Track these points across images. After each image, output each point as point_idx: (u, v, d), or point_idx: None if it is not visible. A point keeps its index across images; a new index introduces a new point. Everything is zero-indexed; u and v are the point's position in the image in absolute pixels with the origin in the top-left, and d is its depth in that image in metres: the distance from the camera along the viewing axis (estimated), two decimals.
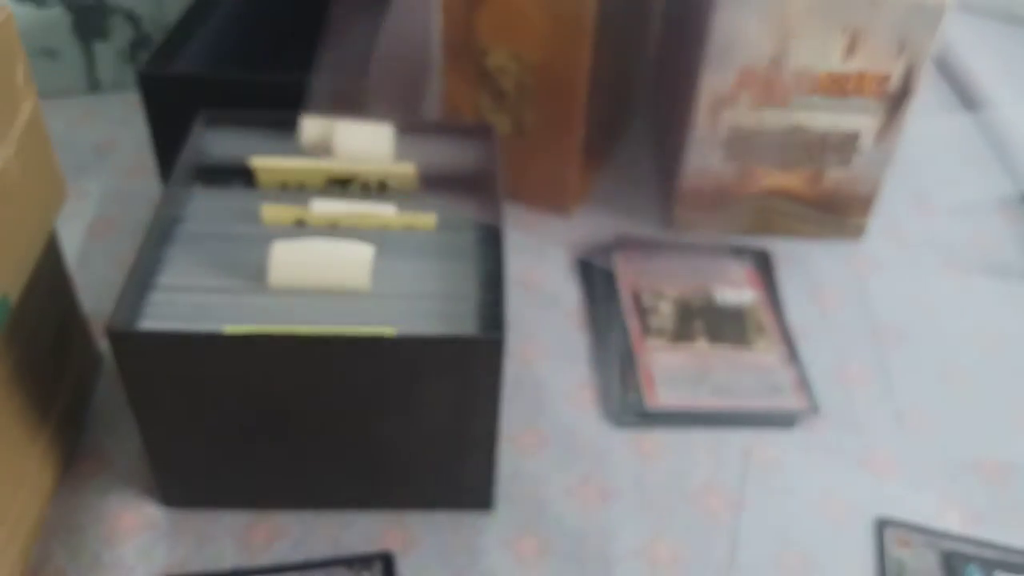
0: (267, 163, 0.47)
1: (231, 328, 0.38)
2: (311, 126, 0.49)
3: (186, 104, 0.51)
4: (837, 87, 0.59)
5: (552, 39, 0.59)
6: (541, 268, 0.63)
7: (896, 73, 0.58)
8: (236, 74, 0.58)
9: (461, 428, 0.43)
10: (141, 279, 0.41)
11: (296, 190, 0.47)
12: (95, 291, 0.54)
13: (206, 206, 0.46)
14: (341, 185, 0.48)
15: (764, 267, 0.63)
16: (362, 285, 0.42)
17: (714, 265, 0.63)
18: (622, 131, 0.77)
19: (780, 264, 0.63)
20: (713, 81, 0.59)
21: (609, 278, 0.61)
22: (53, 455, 0.46)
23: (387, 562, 0.44)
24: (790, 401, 0.53)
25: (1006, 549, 0.46)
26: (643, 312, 0.58)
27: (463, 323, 0.41)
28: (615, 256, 0.63)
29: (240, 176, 0.47)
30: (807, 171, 0.63)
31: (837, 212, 0.65)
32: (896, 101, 0.60)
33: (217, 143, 0.50)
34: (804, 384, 0.54)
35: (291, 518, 0.46)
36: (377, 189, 0.48)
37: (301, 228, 0.45)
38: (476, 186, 0.49)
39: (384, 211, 0.45)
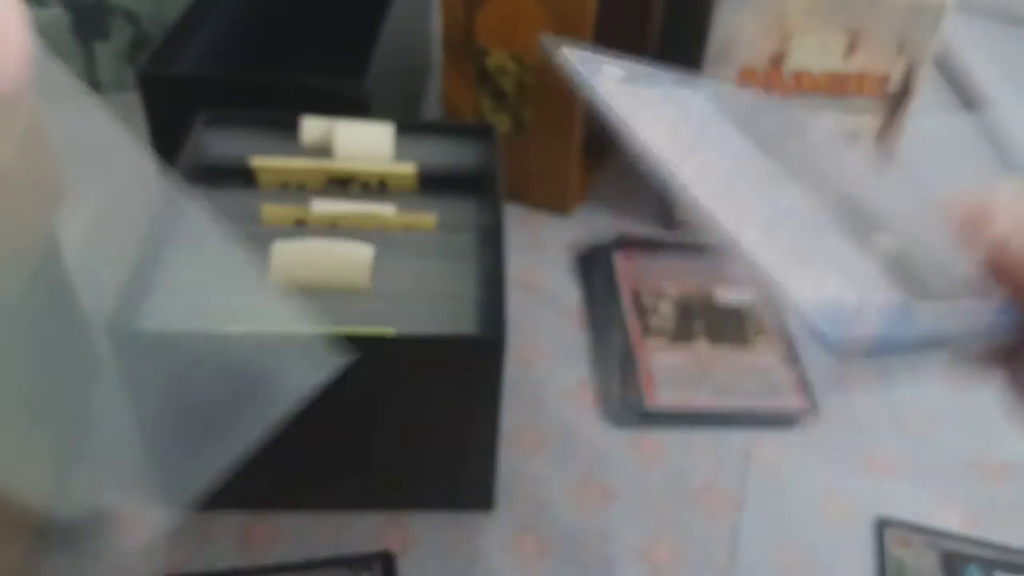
0: (267, 163, 0.47)
1: (231, 328, 0.38)
2: (311, 126, 0.49)
3: (186, 104, 0.51)
4: (837, 87, 0.59)
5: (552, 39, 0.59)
6: (541, 268, 0.63)
7: (896, 73, 0.58)
8: (236, 74, 0.58)
9: (461, 428, 0.43)
10: (141, 279, 0.41)
11: (296, 190, 0.47)
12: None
13: (206, 206, 0.46)
14: (341, 185, 0.48)
15: None
16: (362, 285, 0.42)
17: (714, 265, 0.63)
18: None
19: None
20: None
21: (609, 278, 0.61)
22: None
23: (387, 562, 0.44)
24: (790, 401, 0.53)
25: (1006, 549, 0.46)
26: (643, 312, 0.58)
27: (463, 323, 0.41)
28: (615, 256, 0.63)
29: (240, 176, 0.47)
30: None
31: None
32: (896, 101, 0.60)
33: (217, 143, 0.50)
34: (804, 384, 0.54)
35: (291, 518, 0.46)
36: (377, 189, 0.48)
37: (301, 228, 0.45)
38: (476, 186, 0.49)
39: (384, 211, 0.45)
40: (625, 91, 0.22)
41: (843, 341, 0.19)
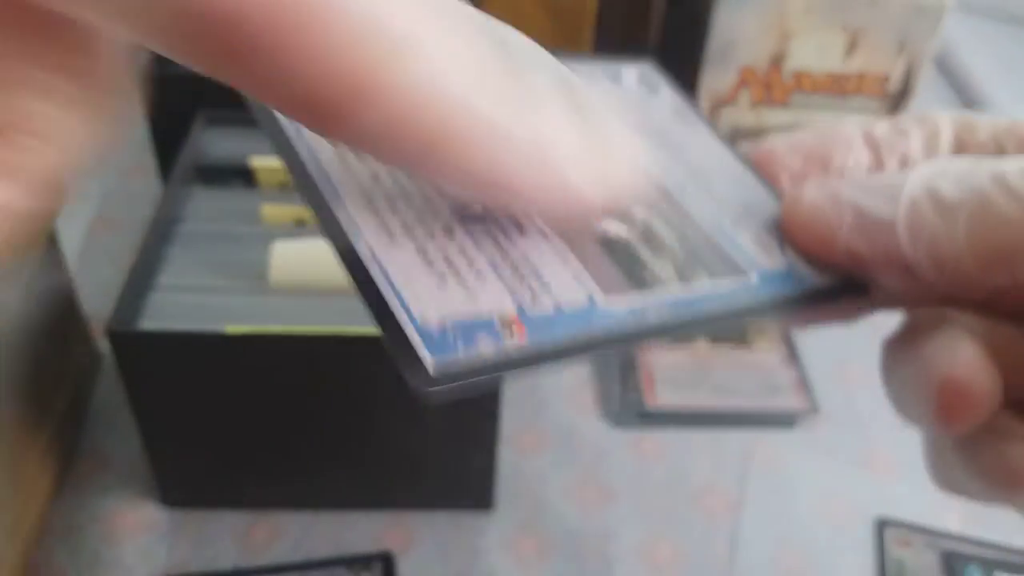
0: (267, 163, 0.47)
1: (231, 328, 0.38)
2: None
3: (186, 104, 0.51)
4: (837, 87, 0.59)
5: (552, 38, 0.59)
6: None
7: (896, 73, 0.58)
8: None
9: (461, 428, 0.43)
10: (141, 279, 0.41)
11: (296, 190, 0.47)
12: (95, 291, 0.54)
13: (206, 206, 0.46)
14: None
15: None
16: None
17: None
18: None
19: None
20: (713, 81, 0.59)
21: None
22: (53, 455, 0.46)
23: (387, 562, 0.44)
24: (790, 401, 0.53)
25: (1006, 549, 0.46)
26: None
27: None
28: None
29: (240, 176, 0.47)
30: None
31: None
32: (896, 101, 0.60)
33: (217, 143, 0.50)
34: (804, 384, 0.54)
35: (291, 518, 0.46)
36: None
37: (301, 228, 0.45)
38: None
39: None
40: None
41: (450, 363, 0.16)
